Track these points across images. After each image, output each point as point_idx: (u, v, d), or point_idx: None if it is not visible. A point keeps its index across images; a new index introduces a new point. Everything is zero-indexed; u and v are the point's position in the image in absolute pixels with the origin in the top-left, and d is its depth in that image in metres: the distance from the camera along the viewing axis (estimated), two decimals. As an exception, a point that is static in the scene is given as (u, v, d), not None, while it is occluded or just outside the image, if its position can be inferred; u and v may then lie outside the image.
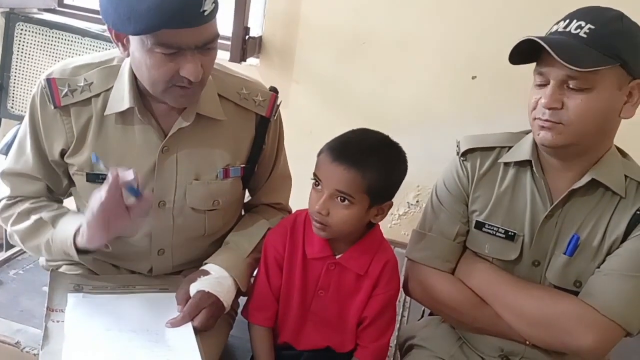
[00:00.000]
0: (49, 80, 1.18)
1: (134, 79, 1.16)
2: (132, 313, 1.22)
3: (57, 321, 1.17)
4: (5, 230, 1.30)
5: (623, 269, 1.13)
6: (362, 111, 2.32)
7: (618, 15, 1.08)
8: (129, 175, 1.04)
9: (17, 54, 2.40)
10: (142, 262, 1.34)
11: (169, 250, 1.32)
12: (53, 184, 1.28)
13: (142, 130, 1.20)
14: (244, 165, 1.31)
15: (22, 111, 2.41)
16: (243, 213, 1.47)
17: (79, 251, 1.18)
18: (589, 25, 1.06)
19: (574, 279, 1.18)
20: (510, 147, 1.24)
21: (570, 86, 1.07)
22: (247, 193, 1.45)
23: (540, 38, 1.06)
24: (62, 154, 1.23)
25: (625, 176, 1.16)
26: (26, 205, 1.25)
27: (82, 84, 1.19)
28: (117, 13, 1.02)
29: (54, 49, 2.38)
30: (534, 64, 1.13)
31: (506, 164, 1.24)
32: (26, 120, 1.23)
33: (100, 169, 1.16)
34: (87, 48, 2.34)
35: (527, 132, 1.23)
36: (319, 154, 1.17)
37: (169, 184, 1.24)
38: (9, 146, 1.91)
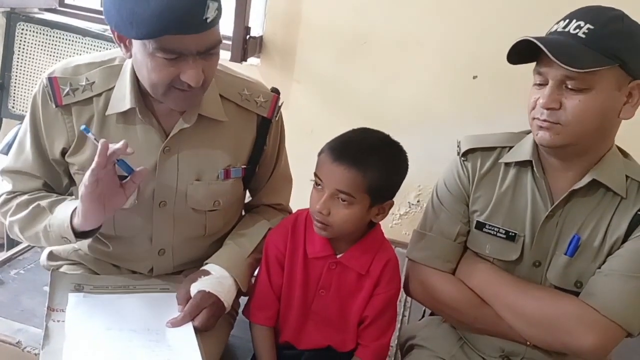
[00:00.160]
0: (50, 79, 1.18)
1: (135, 79, 1.16)
2: (133, 313, 1.22)
3: (58, 321, 1.17)
4: (6, 230, 1.30)
5: (624, 269, 1.13)
6: (363, 111, 2.33)
7: (619, 16, 1.08)
8: (118, 144, 1.03)
9: (18, 54, 2.40)
10: (142, 262, 1.34)
11: (170, 250, 1.32)
12: (53, 182, 1.28)
13: (144, 130, 1.20)
14: (245, 166, 1.31)
15: (23, 111, 2.42)
16: (243, 213, 1.47)
17: (77, 234, 1.16)
18: (588, 25, 1.06)
19: (574, 279, 1.18)
20: (511, 147, 1.24)
21: (569, 86, 1.07)
22: (247, 193, 1.45)
23: (537, 38, 1.06)
24: (63, 153, 1.23)
25: (627, 176, 1.16)
26: (25, 197, 1.25)
27: (83, 83, 1.19)
28: (120, 16, 1.02)
29: (54, 48, 2.38)
30: (534, 64, 1.13)
31: (507, 164, 1.24)
32: (27, 119, 1.23)
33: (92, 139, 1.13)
34: (87, 48, 2.35)
35: (528, 132, 1.22)
36: (319, 154, 1.18)
37: (169, 184, 1.24)
38: (9, 146, 1.91)
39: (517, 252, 1.21)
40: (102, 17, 2.64)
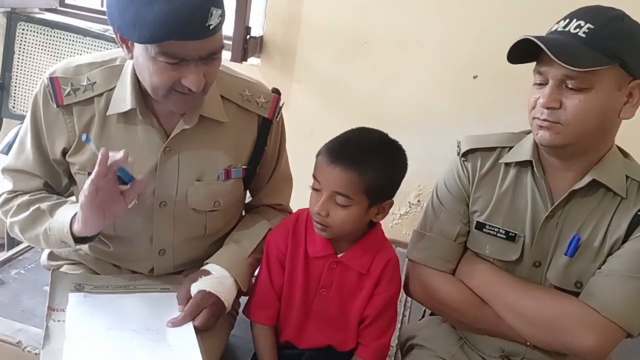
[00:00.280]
0: (52, 79, 1.18)
1: (136, 79, 1.16)
2: (133, 312, 1.22)
3: (58, 320, 1.17)
4: (7, 229, 1.30)
5: (624, 270, 1.13)
6: (363, 111, 2.33)
7: (619, 15, 1.08)
8: (118, 154, 1.04)
9: (19, 54, 2.40)
10: (143, 262, 1.34)
11: (170, 250, 1.32)
12: (53, 182, 1.28)
13: (144, 130, 1.20)
14: (245, 167, 1.31)
15: (23, 111, 2.42)
16: (244, 214, 1.47)
17: (76, 239, 1.17)
18: (588, 25, 1.05)
19: (574, 279, 1.18)
20: (511, 147, 1.24)
21: (569, 86, 1.07)
22: (248, 194, 1.45)
23: (537, 38, 1.06)
24: (64, 152, 1.23)
25: (627, 176, 1.16)
26: (26, 197, 1.25)
27: (85, 83, 1.19)
28: (123, 19, 1.01)
29: (55, 48, 2.38)
30: (534, 63, 1.13)
31: (507, 164, 1.24)
32: (28, 118, 1.23)
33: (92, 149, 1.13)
34: (88, 48, 2.35)
35: (528, 132, 1.22)
36: (317, 155, 1.18)
37: (170, 185, 1.24)
38: (10, 146, 1.91)
39: (517, 253, 1.21)
40: (103, 17, 2.65)
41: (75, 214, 1.14)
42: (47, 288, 1.26)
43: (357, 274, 1.23)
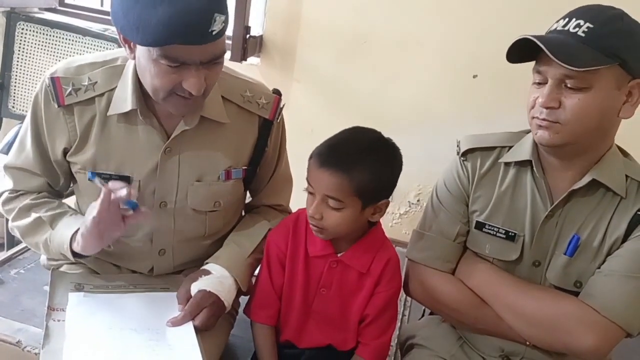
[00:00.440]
0: (53, 79, 1.18)
1: (137, 80, 1.16)
2: (133, 312, 1.22)
3: (58, 320, 1.17)
4: (7, 228, 1.30)
5: (623, 269, 1.13)
6: (363, 111, 2.33)
7: (618, 14, 1.08)
8: (121, 192, 1.06)
9: (18, 54, 2.40)
10: (143, 262, 1.34)
11: (170, 250, 1.33)
12: (52, 180, 1.29)
13: (145, 130, 1.20)
14: (245, 167, 1.31)
15: (23, 111, 2.42)
16: (244, 214, 1.47)
17: (75, 254, 1.19)
18: (587, 24, 1.05)
19: (574, 279, 1.18)
20: (510, 147, 1.24)
21: (568, 85, 1.06)
22: (248, 194, 1.45)
23: (536, 37, 1.06)
24: (65, 152, 1.23)
25: (626, 176, 1.16)
26: (27, 200, 1.26)
27: (86, 83, 1.19)
28: (127, 20, 1.02)
29: (55, 48, 2.38)
30: (534, 63, 1.13)
31: (507, 164, 1.24)
32: (28, 117, 1.23)
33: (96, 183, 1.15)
34: (88, 47, 2.35)
35: (528, 132, 1.22)
36: (309, 159, 1.17)
37: (170, 185, 1.24)
38: (9, 145, 1.91)
39: (517, 252, 1.21)
40: (102, 16, 2.65)
41: (75, 231, 1.16)
42: (47, 288, 1.26)
43: (358, 273, 1.23)
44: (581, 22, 1.06)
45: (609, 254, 1.16)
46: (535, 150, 1.19)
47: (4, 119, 2.50)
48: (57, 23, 2.41)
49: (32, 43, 2.39)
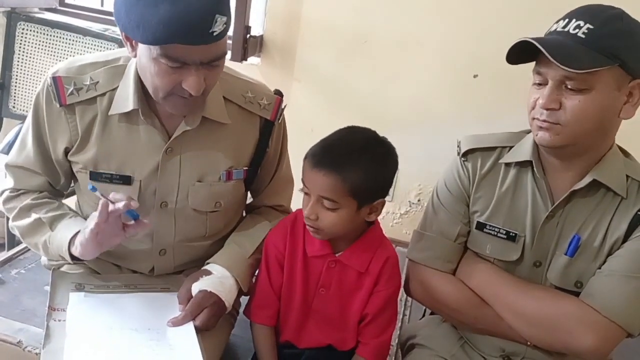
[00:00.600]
0: (55, 79, 1.18)
1: (139, 80, 1.16)
2: (134, 312, 1.22)
3: (59, 320, 1.17)
4: (7, 228, 1.31)
5: (624, 269, 1.13)
6: (363, 110, 2.33)
7: (618, 14, 1.07)
8: (119, 204, 1.06)
9: (19, 54, 2.41)
10: (143, 262, 1.34)
11: (171, 250, 1.33)
12: (53, 179, 1.29)
13: (146, 130, 1.20)
14: (246, 168, 1.31)
15: (23, 111, 2.42)
16: (244, 214, 1.47)
17: (74, 257, 1.19)
18: (587, 25, 1.05)
19: (574, 279, 1.18)
20: (511, 147, 1.24)
21: (568, 87, 1.06)
22: (249, 194, 1.45)
23: (536, 39, 1.05)
24: (66, 152, 1.23)
25: (627, 176, 1.16)
26: (28, 200, 1.26)
27: (88, 83, 1.19)
28: (128, 18, 1.02)
29: (55, 48, 2.38)
30: (534, 63, 1.12)
31: (507, 165, 1.24)
32: (30, 117, 1.24)
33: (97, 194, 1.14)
34: (88, 47, 2.35)
35: (528, 132, 1.22)
36: (304, 159, 1.17)
37: (171, 185, 1.24)
38: (10, 145, 1.92)
39: (518, 253, 1.21)
40: (103, 16, 2.64)
41: (74, 235, 1.17)
42: (48, 288, 1.27)
43: (356, 272, 1.23)
44: (581, 23, 1.06)
45: (609, 254, 1.16)
46: (535, 151, 1.19)
47: (5, 119, 2.50)
48: (58, 23, 2.41)
49: (32, 43, 2.39)
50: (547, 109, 1.08)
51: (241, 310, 1.37)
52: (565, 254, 1.17)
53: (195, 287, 1.21)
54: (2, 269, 1.50)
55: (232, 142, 1.27)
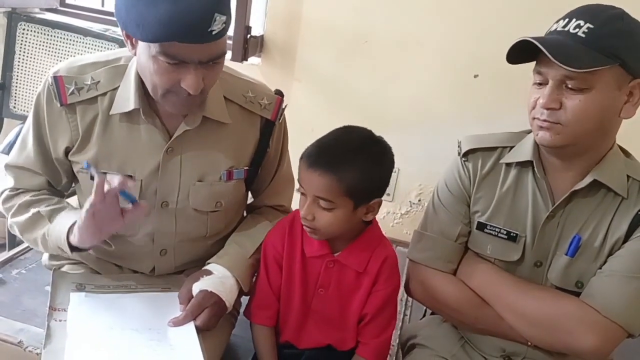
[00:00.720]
0: (56, 78, 1.18)
1: (139, 79, 1.16)
2: (135, 312, 1.22)
3: (60, 320, 1.17)
4: (7, 228, 1.30)
5: (624, 270, 1.13)
6: (363, 110, 2.33)
7: (618, 14, 1.07)
8: (114, 180, 1.05)
9: (20, 54, 2.40)
10: (144, 262, 1.34)
11: (171, 250, 1.33)
12: (53, 179, 1.29)
13: (147, 130, 1.20)
14: (247, 168, 1.32)
15: (24, 111, 2.42)
16: (245, 214, 1.47)
17: (73, 248, 1.18)
18: (587, 25, 1.05)
19: (575, 279, 1.18)
20: (511, 147, 1.24)
21: (569, 86, 1.06)
22: (250, 194, 1.45)
23: (536, 39, 1.05)
24: (67, 151, 1.23)
25: (628, 176, 1.16)
26: (27, 197, 1.26)
27: (89, 83, 1.19)
28: (128, 16, 1.02)
29: (56, 48, 2.38)
30: (534, 63, 1.12)
31: (508, 165, 1.24)
32: (30, 117, 1.24)
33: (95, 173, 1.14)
34: (89, 47, 2.35)
35: (529, 132, 1.22)
36: (300, 159, 1.17)
37: (172, 185, 1.24)
38: (11, 146, 1.91)
39: (519, 253, 1.21)
40: (103, 17, 2.64)
41: (73, 224, 1.15)
42: (49, 288, 1.27)
43: (355, 272, 1.23)
44: (581, 22, 1.06)
45: (610, 254, 1.16)
46: (536, 151, 1.19)
47: (5, 119, 2.50)
48: (58, 23, 2.41)
49: (33, 43, 2.39)
50: (547, 109, 1.08)
51: (242, 310, 1.37)
52: (566, 254, 1.17)
53: (196, 287, 1.21)
54: (3, 269, 1.50)
55: (232, 142, 1.27)
